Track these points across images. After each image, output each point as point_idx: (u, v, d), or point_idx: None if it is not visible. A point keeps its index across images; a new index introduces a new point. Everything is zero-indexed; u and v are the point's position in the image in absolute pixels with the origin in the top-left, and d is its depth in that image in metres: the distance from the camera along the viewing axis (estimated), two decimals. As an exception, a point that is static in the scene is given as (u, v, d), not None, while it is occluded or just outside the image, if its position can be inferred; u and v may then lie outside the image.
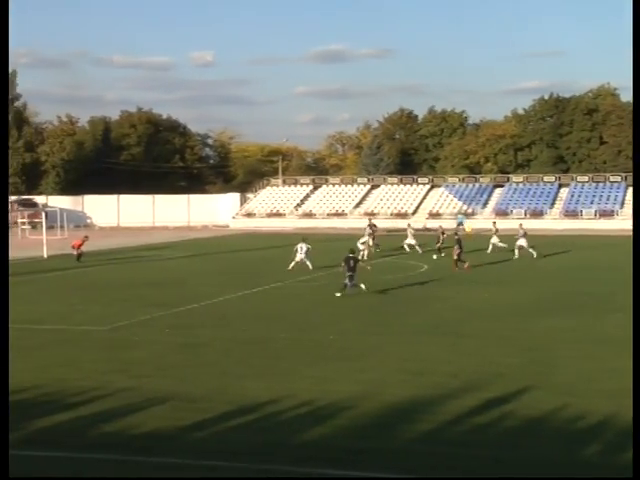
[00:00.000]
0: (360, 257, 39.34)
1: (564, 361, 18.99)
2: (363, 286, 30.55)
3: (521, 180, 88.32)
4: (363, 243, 45.14)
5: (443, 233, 46.82)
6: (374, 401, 15.56)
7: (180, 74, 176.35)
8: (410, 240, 49.27)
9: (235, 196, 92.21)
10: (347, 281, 30.53)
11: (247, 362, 19.23)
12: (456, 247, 39.76)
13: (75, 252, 44.45)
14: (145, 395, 16.04)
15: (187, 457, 12.44)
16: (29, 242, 56.43)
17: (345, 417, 14.57)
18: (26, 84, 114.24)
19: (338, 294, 30.10)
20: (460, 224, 67.11)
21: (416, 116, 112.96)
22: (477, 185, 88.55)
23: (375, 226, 53.43)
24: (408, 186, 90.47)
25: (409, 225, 52.43)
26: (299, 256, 38.94)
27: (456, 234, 41.68)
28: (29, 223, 69.65)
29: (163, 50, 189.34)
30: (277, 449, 12.85)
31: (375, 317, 25.99)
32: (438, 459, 12.46)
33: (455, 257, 39.59)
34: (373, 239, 48.88)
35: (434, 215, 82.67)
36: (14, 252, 41.89)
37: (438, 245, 45.57)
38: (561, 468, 12.02)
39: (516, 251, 45.32)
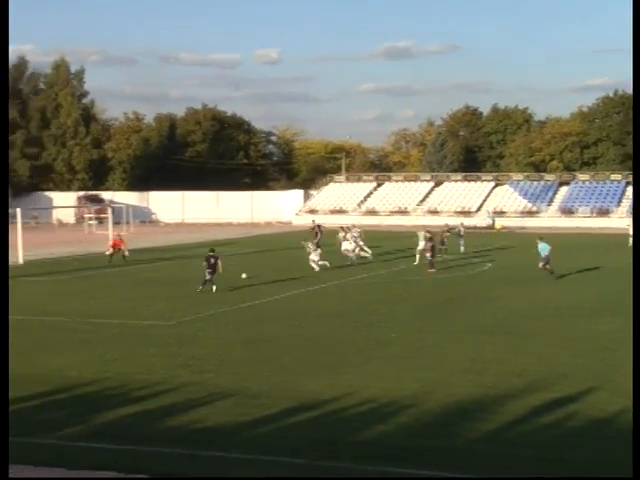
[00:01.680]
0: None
1: (629, 362, 18.73)
2: (214, 287, 30.82)
3: (587, 178, 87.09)
4: (347, 250, 43.62)
5: (448, 231, 46.68)
6: (435, 399, 15.52)
7: (246, 71, 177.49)
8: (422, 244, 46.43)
9: (298, 193, 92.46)
10: (207, 277, 31.19)
11: (308, 359, 19.31)
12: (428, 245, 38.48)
13: (110, 251, 42.55)
14: (208, 390, 16.20)
15: (249, 452, 12.54)
16: (95, 237, 57.25)
17: (406, 415, 14.56)
18: (94, 82, 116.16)
19: (199, 288, 30.92)
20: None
21: (481, 113, 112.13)
22: (542, 183, 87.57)
23: (320, 227, 51.55)
24: (472, 183, 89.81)
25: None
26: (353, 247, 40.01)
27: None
28: (96, 218, 70.62)
29: (230, 48, 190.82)
30: (338, 446, 12.89)
31: (436, 316, 25.90)
32: (499, 459, 12.39)
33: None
34: (317, 242, 44.82)
35: (498, 213, 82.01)
36: (81, 247, 42.59)
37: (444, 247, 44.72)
38: (623, 470, 11.87)
39: None
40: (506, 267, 40.06)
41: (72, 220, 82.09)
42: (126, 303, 28.75)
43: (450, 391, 16.14)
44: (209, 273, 31.28)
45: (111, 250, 42.56)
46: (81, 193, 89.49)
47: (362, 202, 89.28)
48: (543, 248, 35.14)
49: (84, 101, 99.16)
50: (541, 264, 35.06)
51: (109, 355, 19.70)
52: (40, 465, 11.98)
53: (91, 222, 70.18)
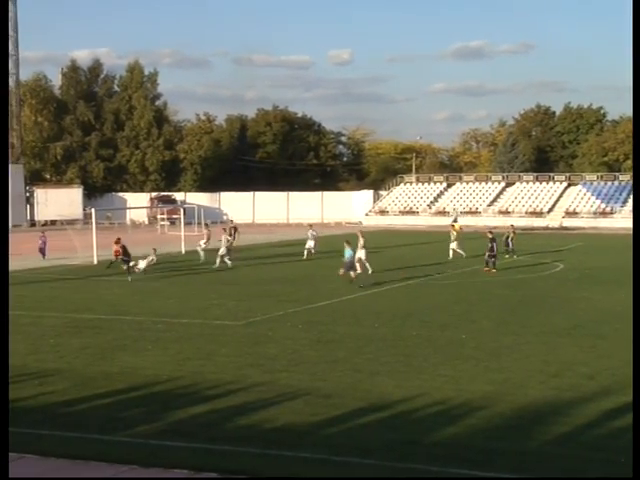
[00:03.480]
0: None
1: None
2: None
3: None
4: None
5: (514, 232, 45.94)
6: (508, 402, 15.38)
7: (317, 72, 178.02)
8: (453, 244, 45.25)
9: (368, 193, 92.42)
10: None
11: (379, 359, 19.28)
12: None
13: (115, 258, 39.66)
14: (279, 390, 16.28)
15: (319, 452, 12.57)
16: (168, 238, 57.89)
17: (478, 417, 14.46)
18: (167, 84, 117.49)
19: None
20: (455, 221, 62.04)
21: (553, 112, 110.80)
22: (616, 183, 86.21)
23: (236, 229, 51.05)
24: (544, 184, 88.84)
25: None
26: None
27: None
28: (168, 219, 71.46)
29: (302, 49, 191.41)
30: (409, 447, 12.85)
31: (509, 317, 25.65)
32: (572, 463, 12.23)
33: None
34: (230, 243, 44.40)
35: (571, 214, 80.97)
36: (166, 247, 43.12)
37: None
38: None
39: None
40: (578, 268, 39.53)
41: (145, 221, 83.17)
42: (199, 303, 29.03)
43: (523, 393, 15.98)
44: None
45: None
46: (154, 194, 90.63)
47: (432, 203, 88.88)
48: (347, 253, 33.82)
49: (157, 103, 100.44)
50: (342, 270, 33.85)
51: (183, 354, 19.91)
52: (114, 462, 12.16)
53: (163, 223, 71.01)
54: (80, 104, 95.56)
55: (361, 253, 35.73)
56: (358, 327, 23.81)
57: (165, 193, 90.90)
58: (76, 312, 26.82)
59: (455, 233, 45.47)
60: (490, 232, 39.52)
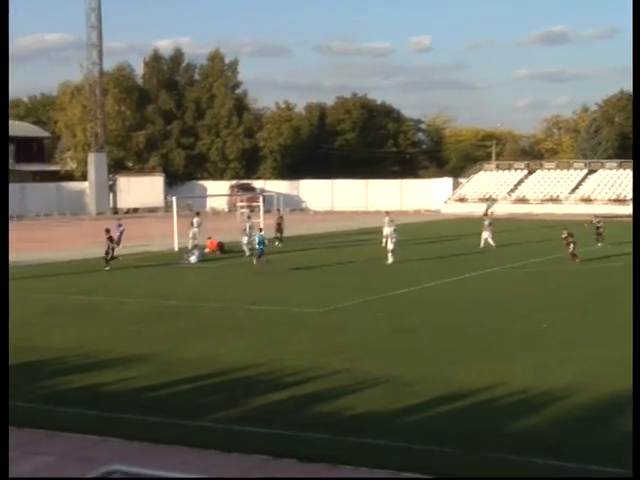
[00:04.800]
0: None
1: None
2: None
3: None
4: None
5: (599, 220, 45.03)
6: (589, 392, 15.20)
7: (397, 59, 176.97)
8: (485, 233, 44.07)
9: (447, 181, 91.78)
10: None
11: (458, 348, 19.20)
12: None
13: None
14: (358, 377, 16.33)
15: (398, 440, 12.59)
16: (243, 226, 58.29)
17: (558, 407, 14.32)
18: (248, 72, 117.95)
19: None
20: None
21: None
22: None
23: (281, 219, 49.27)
24: (628, 171, 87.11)
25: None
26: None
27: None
28: (247, 207, 71.95)
29: (382, 36, 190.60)
30: (488, 436, 12.79)
31: (591, 306, 25.30)
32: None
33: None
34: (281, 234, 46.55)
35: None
36: (233, 235, 43.53)
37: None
38: None
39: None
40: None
41: (225, 208, 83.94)
42: (278, 290, 29.24)
43: (604, 383, 15.76)
44: None
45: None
46: (233, 182, 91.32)
47: (512, 190, 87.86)
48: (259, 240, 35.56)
49: (237, 91, 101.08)
50: (255, 260, 35.46)
51: (262, 341, 20.10)
52: (195, 447, 12.35)
53: (243, 210, 71.53)
54: (162, 93, 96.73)
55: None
56: (437, 315, 23.73)
57: (245, 181, 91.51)
58: (157, 298, 27.25)
59: (486, 222, 44.92)
60: (565, 228, 38.45)
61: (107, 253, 36.36)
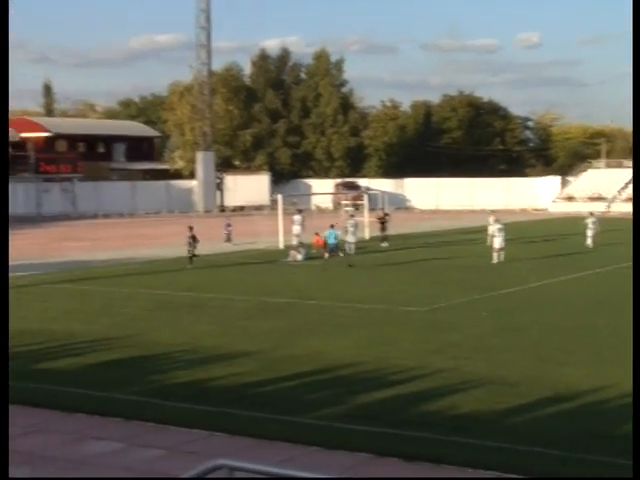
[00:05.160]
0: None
1: None
2: None
3: None
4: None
5: None
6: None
7: (505, 56, 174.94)
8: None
9: (555, 179, 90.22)
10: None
11: (566, 349, 18.87)
12: None
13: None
14: (462, 377, 16.19)
15: (503, 441, 12.43)
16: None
17: (670, 411, 13.92)
18: (354, 70, 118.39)
19: None
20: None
21: None
22: None
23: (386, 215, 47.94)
24: None
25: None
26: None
27: None
28: (352, 205, 72.04)
29: (490, 33, 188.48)
30: (596, 439, 12.54)
31: None
32: None
33: None
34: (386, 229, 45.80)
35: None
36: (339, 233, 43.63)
37: None
38: None
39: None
40: None
41: (329, 206, 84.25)
42: (383, 288, 29.22)
43: None
44: None
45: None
46: (338, 180, 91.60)
47: (623, 189, 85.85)
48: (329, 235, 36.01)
49: (343, 90, 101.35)
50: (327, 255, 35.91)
51: (367, 339, 20.11)
52: (299, 443, 12.43)
53: (347, 209, 71.65)
54: (269, 92, 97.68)
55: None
56: (545, 315, 23.36)
57: (350, 179, 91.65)
58: (263, 295, 27.53)
59: (589, 221, 43.86)
60: None
61: (190, 252, 36.01)
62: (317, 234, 42.04)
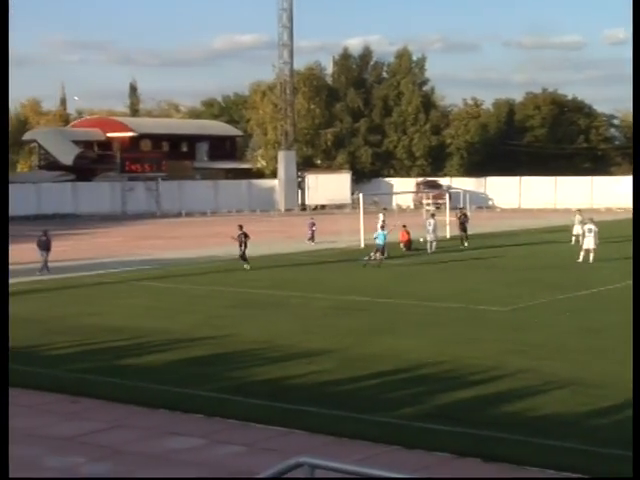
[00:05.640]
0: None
1: None
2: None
3: None
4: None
5: None
6: None
7: (590, 53, 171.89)
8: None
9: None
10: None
11: (651, 351, 18.47)
12: None
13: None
14: (544, 378, 15.98)
15: (586, 443, 12.24)
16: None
17: None
18: (435, 69, 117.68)
19: None
20: None
21: None
22: None
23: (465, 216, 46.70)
24: None
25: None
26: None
27: None
28: (433, 204, 71.72)
29: (574, 29, 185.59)
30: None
31: None
32: None
33: None
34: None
35: None
36: (420, 232, 43.41)
37: None
38: None
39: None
40: None
41: (411, 205, 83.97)
42: (462, 287, 29.01)
43: None
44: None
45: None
46: (419, 179, 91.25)
47: None
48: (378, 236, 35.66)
49: (424, 88, 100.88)
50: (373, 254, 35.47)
51: (446, 338, 19.99)
52: (379, 442, 12.41)
53: (429, 208, 71.32)
54: (350, 91, 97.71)
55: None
56: (629, 316, 22.87)
57: (431, 178, 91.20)
58: (342, 294, 27.56)
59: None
60: None
61: (241, 251, 35.10)
62: (404, 226, 42.07)
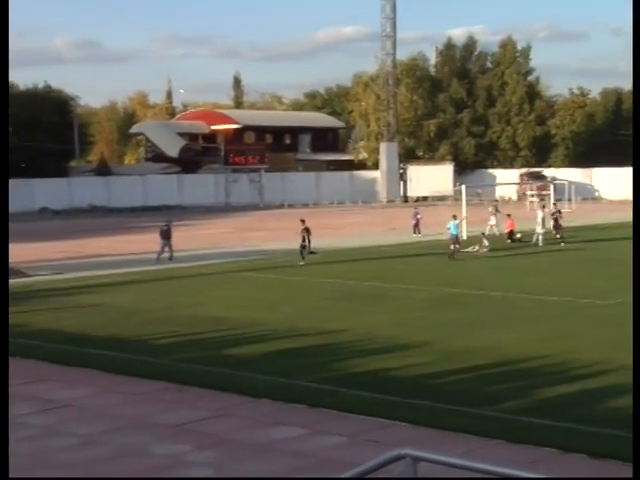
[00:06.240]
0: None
1: None
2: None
3: None
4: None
5: None
6: None
7: None
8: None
9: None
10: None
11: None
12: None
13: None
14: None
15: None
16: (536, 214, 57.27)
17: None
18: (540, 58, 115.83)
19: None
20: None
21: None
22: None
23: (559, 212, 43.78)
24: None
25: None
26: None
27: None
28: (537, 195, 70.61)
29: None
30: None
31: None
32: None
33: None
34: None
35: None
36: (522, 224, 42.83)
37: None
38: None
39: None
40: None
41: (514, 197, 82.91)
42: (566, 280, 28.58)
43: None
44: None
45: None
46: (523, 170, 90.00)
47: None
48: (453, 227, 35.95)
49: (529, 78, 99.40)
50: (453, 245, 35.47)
51: (548, 332, 19.74)
52: (481, 436, 12.36)
53: (532, 199, 70.31)
54: (454, 82, 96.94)
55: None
56: None
57: (535, 169, 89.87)
58: (443, 286, 27.45)
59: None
60: None
61: (303, 247, 34.62)
62: (509, 215, 41.73)
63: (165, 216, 46.50)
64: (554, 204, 45.73)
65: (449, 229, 36.60)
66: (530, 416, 13.22)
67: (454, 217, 37.24)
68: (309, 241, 34.77)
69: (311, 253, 34.88)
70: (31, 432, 13.07)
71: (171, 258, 35.76)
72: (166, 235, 36.30)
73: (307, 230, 34.84)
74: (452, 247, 35.55)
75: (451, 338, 19.17)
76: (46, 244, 46.17)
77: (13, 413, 13.98)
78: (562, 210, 45.83)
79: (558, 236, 41.24)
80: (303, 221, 35.43)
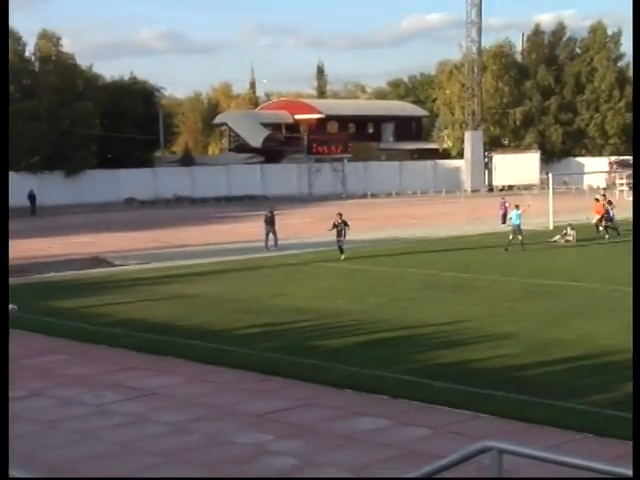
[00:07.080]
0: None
1: None
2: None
3: None
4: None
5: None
6: None
7: None
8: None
9: None
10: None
11: None
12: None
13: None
14: None
15: None
16: (627, 203, 56.12)
17: None
18: (632, 44, 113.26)
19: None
20: None
21: None
22: None
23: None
24: None
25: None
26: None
27: None
28: (627, 184, 69.23)
29: None
30: None
31: None
32: None
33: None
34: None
35: None
36: (621, 213, 41.96)
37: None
38: None
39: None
40: None
41: (602, 186, 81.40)
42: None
43: None
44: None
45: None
46: (612, 158, 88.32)
47: None
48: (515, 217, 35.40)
49: (619, 64, 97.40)
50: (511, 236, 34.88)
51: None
52: (568, 429, 12.15)
53: (622, 188, 68.95)
54: (541, 68, 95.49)
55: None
56: None
57: (625, 157, 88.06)
58: (530, 277, 27.07)
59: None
60: None
61: (339, 241, 33.35)
62: (597, 200, 40.41)
63: (249, 206, 46.93)
64: (604, 195, 43.30)
65: (511, 219, 36.09)
66: (618, 409, 12.93)
67: (516, 207, 36.47)
68: (345, 235, 33.42)
69: (340, 248, 33.24)
70: (120, 420, 13.26)
71: (276, 245, 36.72)
72: (270, 221, 37.32)
73: (345, 223, 33.45)
74: (510, 237, 34.95)
75: (539, 330, 18.86)
76: (133, 234, 46.94)
77: (102, 401, 14.26)
78: None
79: (606, 236, 38.33)
80: (340, 214, 33.98)
